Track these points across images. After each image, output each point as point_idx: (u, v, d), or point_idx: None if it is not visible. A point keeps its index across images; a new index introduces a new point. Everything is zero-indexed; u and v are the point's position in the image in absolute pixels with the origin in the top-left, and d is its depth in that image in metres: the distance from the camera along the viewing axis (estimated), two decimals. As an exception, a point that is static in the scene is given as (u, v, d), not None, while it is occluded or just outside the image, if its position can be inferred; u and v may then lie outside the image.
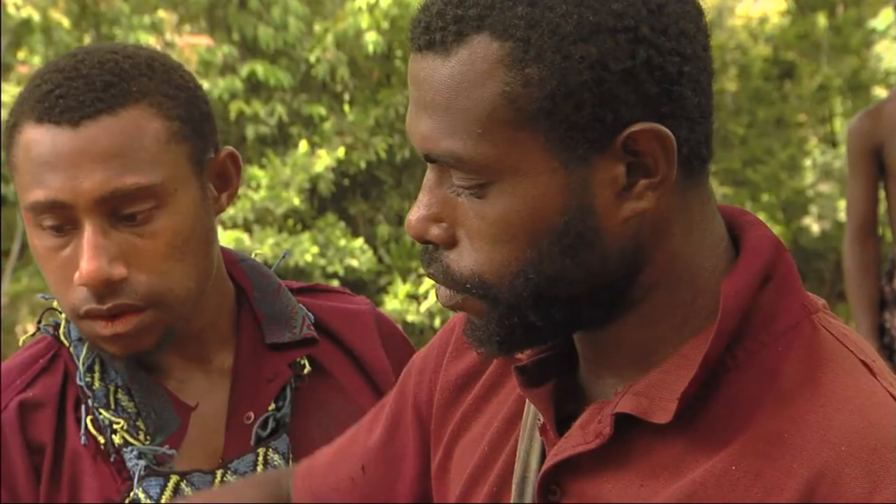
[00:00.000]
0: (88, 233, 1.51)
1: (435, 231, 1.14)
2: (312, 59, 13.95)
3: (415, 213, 1.15)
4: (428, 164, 1.15)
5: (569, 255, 1.11)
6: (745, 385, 1.11)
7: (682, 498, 1.09)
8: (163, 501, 1.57)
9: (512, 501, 1.21)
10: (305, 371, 1.67)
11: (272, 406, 1.64)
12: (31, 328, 1.70)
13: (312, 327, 1.69)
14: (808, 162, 15.74)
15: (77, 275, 1.51)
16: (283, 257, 1.88)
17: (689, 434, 1.11)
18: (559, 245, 1.10)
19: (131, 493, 1.58)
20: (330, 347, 1.71)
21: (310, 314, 1.71)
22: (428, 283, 14.69)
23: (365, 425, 1.44)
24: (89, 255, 1.50)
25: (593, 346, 1.19)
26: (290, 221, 14.01)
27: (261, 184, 13.55)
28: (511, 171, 1.09)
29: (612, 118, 1.08)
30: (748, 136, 15.66)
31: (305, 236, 13.58)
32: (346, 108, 14.58)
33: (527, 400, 1.24)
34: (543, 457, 1.19)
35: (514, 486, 1.21)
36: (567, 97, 1.08)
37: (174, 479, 1.58)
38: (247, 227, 13.60)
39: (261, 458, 1.62)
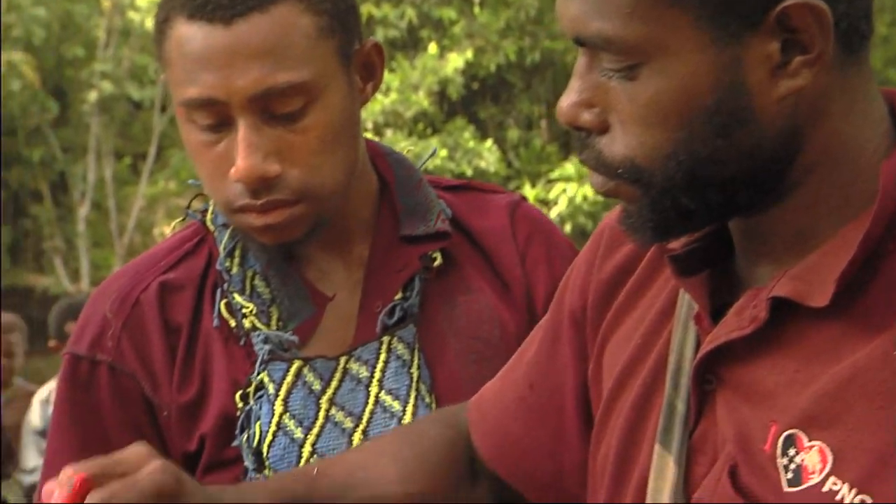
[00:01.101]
0: (243, 130, 1.53)
1: (586, 116, 1.13)
2: (443, -39, 13.88)
3: (566, 100, 1.14)
4: (579, 48, 1.14)
5: (721, 135, 1.09)
6: None
7: (841, 382, 1.07)
8: (284, 385, 1.60)
9: (666, 393, 1.20)
10: (435, 263, 1.67)
11: (399, 295, 1.65)
12: (167, 230, 1.73)
13: (447, 222, 1.70)
14: (951, 61, 15.32)
15: (233, 171, 1.54)
16: (432, 154, 1.89)
17: (847, 318, 1.09)
18: (711, 125, 1.09)
19: (256, 376, 1.60)
20: (463, 242, 1.72)
21: (447, 209, 1.72)
22: (558, 188, 14.65)
23: (525, 347, 1.44)
24: (244, 152, 1.53)
25: (749, 232, 1.17)
26: (420, 125, 14.05)
27: (390, 87, 13.58)
28: (661, 51, 1.08)
29: None
30: (891, 35, 15.28)
31: (434, 140, 13.62)
32: (477, 10, 14.51)
33: (680, 291, 1.23)
34: (698, 347, 1.18)
35: (668, 378, 1.20)
36: None
37: (297, 363, 1.61)
38: (377, 131, 13.67)
39: (384, 347, 1.63)
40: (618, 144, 1.12)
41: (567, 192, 13.75)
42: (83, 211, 19.64)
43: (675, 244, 1.20)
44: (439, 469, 1.43)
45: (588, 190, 14.38)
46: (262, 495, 1.34)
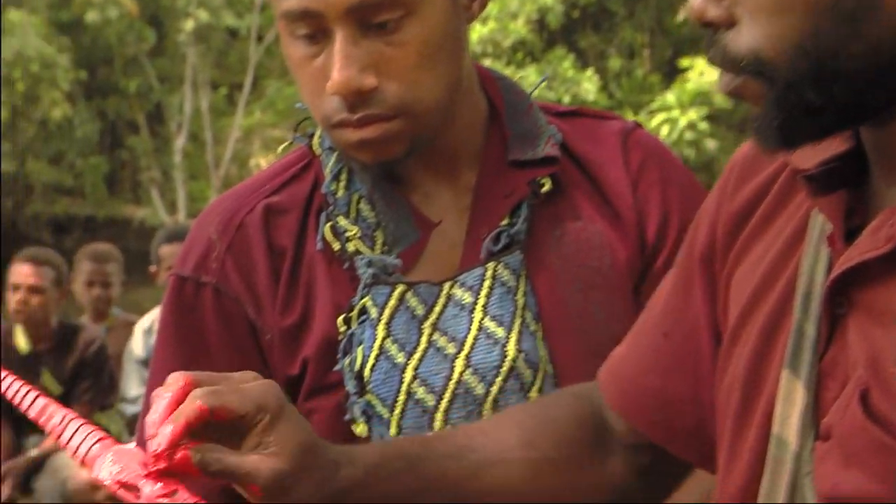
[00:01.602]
0: (339, 42, 1.52)
1: (713, 11, 1.10)
2: None
3: None
4: None
5: (848, 24, 1.04)
6: None
7: None
8: (387, 309, 1.59)
9: (795, 317, 1.15)
10: (543, 189, 1.65)
11: (506, 221, 1.63)
12: (263, 162, 1.72)
13: (557, 147, 1.67)
14: None
15: (329, 83, 1.52)
16: (542, 81, 1.87)
17: None
18: (836, 13, 1.04)
19: (359, 300, 1.60)
20: (573, 169, 1.69)
21: (557, 134, 1.69)
22: (659, 117, 14.52)
23: (654, 300, 1.41)
24: (340, 64, 1.51)
25: (882, 147, 1.12)
26: (519, 54, 13.96)
27: (489, 15, 13.52)
28: None
29: None
30: None
31: (532, 69, 13.55)
32: (576, -64, 14.36)
33: (811, 215, 1.18)
34: (829, 270, 1.13)
35: (797, 302, 1.16)
36: None
37: (400, 288, 1.59)
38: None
39: (489, 273, 1.61)
40: (744, 37, 1.09)
41: (669, 121, 13.63)
42: (179, 142, 19.86)
43: (809, 164, 1.16)
44: (565, 437, 1.41)
45: (691, 115, 14.25)
46: (371, 451, 1.35)
